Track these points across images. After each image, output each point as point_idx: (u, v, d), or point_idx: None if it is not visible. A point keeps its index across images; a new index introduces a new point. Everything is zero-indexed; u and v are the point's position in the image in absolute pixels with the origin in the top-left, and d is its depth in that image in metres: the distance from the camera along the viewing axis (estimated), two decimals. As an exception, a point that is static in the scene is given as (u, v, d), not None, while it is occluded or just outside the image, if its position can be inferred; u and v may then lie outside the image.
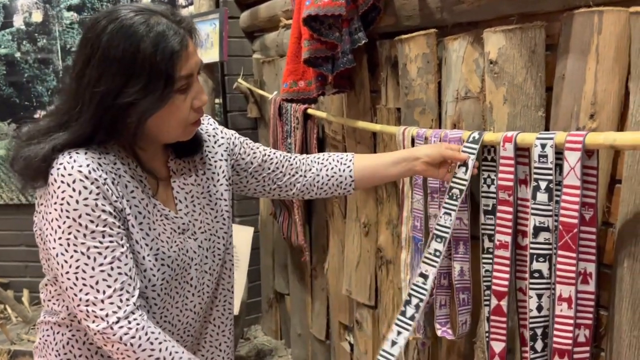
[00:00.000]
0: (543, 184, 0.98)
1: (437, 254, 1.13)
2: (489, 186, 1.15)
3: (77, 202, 0.86)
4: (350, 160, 1.21)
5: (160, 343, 0.91)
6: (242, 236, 2.09)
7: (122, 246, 0.89)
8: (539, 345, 1.03)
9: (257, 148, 1.19)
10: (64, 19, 2.88)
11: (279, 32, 2.37)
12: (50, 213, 0.87)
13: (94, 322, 0.88)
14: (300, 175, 1.20)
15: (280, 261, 2.60)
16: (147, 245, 0.94)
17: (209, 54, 2.17)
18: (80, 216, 0.86)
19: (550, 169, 0.97)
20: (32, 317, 2.86)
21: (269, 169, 1.18)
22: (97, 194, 0.87)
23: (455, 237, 1.23)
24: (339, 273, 2.05)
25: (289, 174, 1.19)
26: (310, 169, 1.21)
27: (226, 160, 1.11)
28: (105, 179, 0.88)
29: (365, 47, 1.59)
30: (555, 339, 0.95)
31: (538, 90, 1.12)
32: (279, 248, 2.60)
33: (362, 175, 1.21)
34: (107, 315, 0.87)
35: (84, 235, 0.87)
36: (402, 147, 1.39)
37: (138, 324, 0.89)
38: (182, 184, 1.04)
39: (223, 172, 1.09)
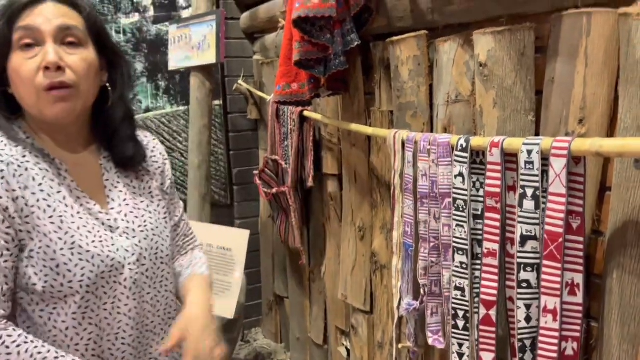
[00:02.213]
0: (530, 191, 0.95)
1: (464, 266, 1.12)
2: (477, 190, 1.12)
3: None
4: (187, 276, 1.14)
5: (18, 346, 0.85)
6: (238, 239, 2.08)
7: None
8: (528, 356, 1.00)
9: (178, 208, 1.17)
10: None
11: (278, 34, 2.36)
12: None
13: None
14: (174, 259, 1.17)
15: (280, 264, 2.59)
16: (60, 238, 0.90)
17: (206, 55, 2.16)
18: None
19: (536, 175, 0.94)
20: None
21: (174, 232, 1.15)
22: None
23: (444, 244, 1.20)
24: (335, 277, 2.03)
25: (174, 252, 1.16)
26: (178, 261, 1.17)
27: (161, 176, 1.10)
28: (1, 170, 0.87)
29: (359, 49, 1.57)
30: (540, 352, 0.92)
31: (528, 94, 1.08)
32: (279, 251, 2.58)
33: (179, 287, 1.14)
34: None
35: None
36: (394, 151, 1.36)
37: None
38: (116, 182, 1.02)
39: (157, 186, 1.09)
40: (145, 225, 1.02)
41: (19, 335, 0.86)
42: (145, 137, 1.11)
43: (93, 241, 0.94)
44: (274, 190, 2.16)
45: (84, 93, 0.93)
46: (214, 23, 2.09)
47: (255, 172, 2.29)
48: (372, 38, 1.62)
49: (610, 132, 0.95)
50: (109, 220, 0.98)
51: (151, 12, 2.78)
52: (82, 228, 0.93)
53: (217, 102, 2.63)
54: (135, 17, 2.81)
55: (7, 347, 0.84)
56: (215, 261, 2.09)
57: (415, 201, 1.30)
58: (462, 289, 1.14)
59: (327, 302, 2.17)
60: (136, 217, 1.02)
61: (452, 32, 1.28)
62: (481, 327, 1.08)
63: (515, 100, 1.09)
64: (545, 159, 0.92)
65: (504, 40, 1.08)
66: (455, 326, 1.16)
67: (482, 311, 1.07)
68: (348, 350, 2.03)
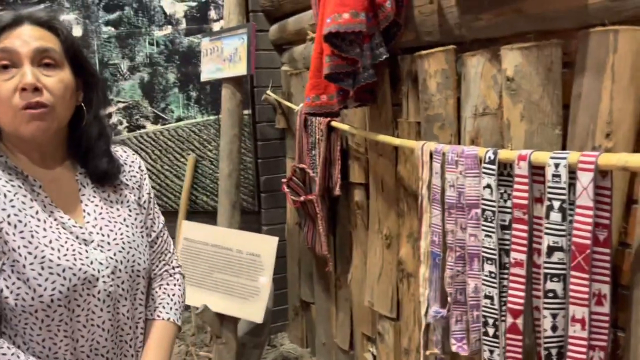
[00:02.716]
0: (556, 204, 0.98)
1: (493, 275, 1.15)
2: (505, 201, 1.15)
3: None
4: (151, 320, 1.12)
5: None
6: (266, 246, 2.13)
7: None
8: (554, 365, 1.03)
9: (157, 222, 1.16)
10: (102, 33, 3.00)
11: (306, 45, 2.42)
12: None
13: None
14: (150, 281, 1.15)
15: (307, 270, 2.63)
16: (29, 253, 0.92)
17: (237, 67, 2.23)
18: None
19: (563, 188, 0.96)
20: None
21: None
22: None
23: (470, 254, 1.23)
24: (362, 284, 2.07)
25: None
26: (153, 289, 1.15)
27: (138, 190, 1.12)
28: None
29: (387, 62, 1.61)
30: (567, 360, 0.95)
31: (555, 108, 1.11)
32: (305, 257, 2.63)
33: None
34: None
35: None
36: (422, 162, 1.40)
37: None
38: (92, 197, 1.04)
39: (133, 200, 1.10)
40: (121, 238, 1.03)
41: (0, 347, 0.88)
42: (125, 152, 1.14)
43: (65, 255, 0.94)
44: (302, 198, 2.21)
45: (59, 113, 0.96)
46: (245, 36, 2.16)
47: (283, 180, 2.34)
48: (400, 51, 1.66)
49: (637, 146, 0.97)
50: (83, 233, 0.99)
51: (183, 25, 2.88)
52: (54, 242, 0.94)
53: (246, 112, 2.70)
54: (168, 30, 2.91)
55: None
56: (245, 266, 2.14)
57: (443, 211, 1.33)
58: (491, 298, 1.17)
59: (353, 308, 2.20)
60: (111, 230, 1.03)
61: (479, 46, 1.31)
62: (508, 335, 1.10)
63: (543, 114, 1.12)
64: (572, 172, 0.95)
65: (532, 55, 1.12)
66: (486, 333, 1.19)
67: (509, 320, 1.09)
68: (374, 356, 2.06)
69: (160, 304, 1.12)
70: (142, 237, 1.09)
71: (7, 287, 0.91)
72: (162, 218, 1.18)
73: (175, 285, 1.17)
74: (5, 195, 0.93)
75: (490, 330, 1.17)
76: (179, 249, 2.26)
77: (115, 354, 1.02)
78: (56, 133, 0.99)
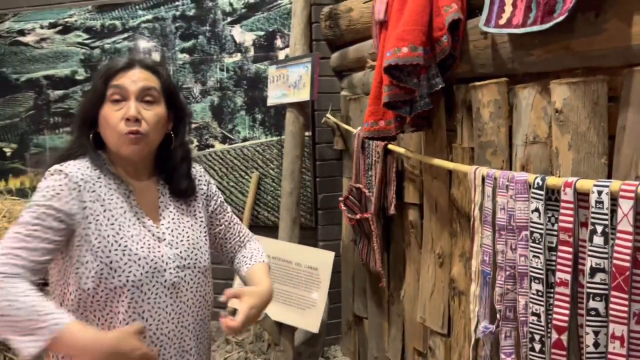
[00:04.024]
0: (599, 228, 1.06)
1: (540, 294, 1.23)
2: (552, 224, 1.23)
3: (42, 190, 1.13)
4: (250, 265, 1.40)
5: (24, 295, 1.03)
6: (324, 260, 2.27)
7: (44, 232, 1.09)
8: (597, 380, 1.09)
9: (226, 214, 1.43)
10: (178, 59, 3.29)
11: (365, 72, 2.57)
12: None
13: None
14: (235, 254, 1.45)
15: (360, 285, 2.74)
16: (115, 241, 1.15)
17: (301, 93, 2.41)
18: (36, 199, 1.12)
19: (606, 214, 1.04)
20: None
21: (226, 235, 1.43)
22: (57, 193, 1.12)
23: (520, 273, 1.31)
24: (414, 301, 2.15)
25: (233, 250, 1.45)
26: (240, 253, 1.45)
27: (205, 200, 1.37)
28: (77, 184, 1.14)
29: (443, 90, 1.72)
30: (608, 375, 1.01)
31: (601, 139, 1.19)
32: (359, 273, 2.74)
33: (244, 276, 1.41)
34: None
35: (28, 209, 1.12)
36: (474, 186, 1.50)
37: (1, 281, 1.03)
38: (168, 204, 1.28)
39: (201, 210, 1.34)
40: (187, 240, 1.26)
41: (29, 289, 1.05)
42: (194, 168, 1.36)
43: (142, 247, 1.17)
44: (358, 216, 2.34)
45: (152, 140, 1.21)
46: (309, 64, 2.34)
47: (340, 198, 2.48)
48: (456, 81, 1.77)
49: (679, 176, 1.03)
50: (158, 232, 1.22)
51: (252, 52, 3.11)
52: (135, 236, 1.18)
53: (307, 134, 2.88)
54: (238, 57, 3.15)
55: (11, 293, 1.03)
56: (303, 279, 2.29)
57: (494, 232, 1.42)
58: (538, 315, 1.24)
59: (405, 323, 2.29)
60: (180, 232, 1.26)
61: (530, 79, 1.41)
62: (553, 351, 1.17)
63: (589, 144, 1.20)
64: (614, 199, 1.03)
65: (579, 90, 1.20)
66: (532, 349, 1.26)
67: (554, 335, 1.17)
68: (424, 371, 2.13)
69: (254, 255, 1.42)
70: (206, 240, 1.31)
71: (88, 271, 1.13)
72: (229, 211, 1.45)
73: (256, 243, 1.48)
74: (104, 194, 1.18)
75: (537, 346, 1.25)
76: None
77: (176, 336, 1.22)
78: (148, 154, 1.24)
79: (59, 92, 3.55)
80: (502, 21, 1.41)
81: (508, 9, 1.40)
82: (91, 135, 1.22)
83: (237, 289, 1.27)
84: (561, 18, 1.18)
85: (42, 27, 3.54)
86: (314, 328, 2.21)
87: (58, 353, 1.17)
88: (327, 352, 3.01)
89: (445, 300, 1.91)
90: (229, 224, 1.42)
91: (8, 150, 3.70)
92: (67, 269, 1.16)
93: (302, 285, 2.27)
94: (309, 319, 2.24)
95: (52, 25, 3.52)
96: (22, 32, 3.58)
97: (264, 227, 3.13)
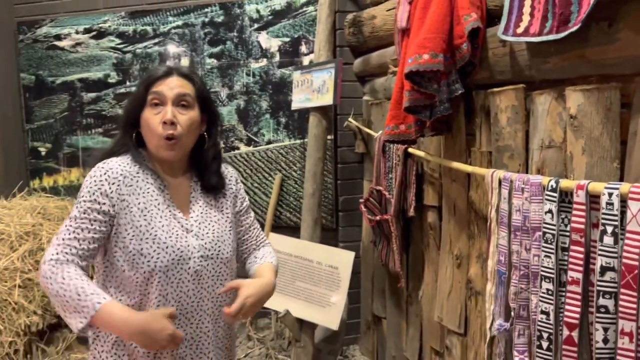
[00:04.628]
0: (609, 229, 1.10)
1: (550, 292, 1.28)
2: (565, 225, 1.28)
3: (87, 186, 1.26)
4: (258, 264, 1.50)
5: (71, 279, 1.18)
6: (344, 259, 2.34)
7: (91, 224, 1.24)
8: (607, 376, 1.13)
9: (248, 218, 1.53)
10: (206, 64, 3.40)
11: (387, 78, 2.63)
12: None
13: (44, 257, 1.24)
14: (248, 255, 1.55)
15: (379, 286, 2.80)
16: (147, 230, 1.27)
17: (324, 97, 2.49)
18: (83, 195, 1.26)
19: (616, 215, 1.09)
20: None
21: (244, 237, 1.52)
22: (99, 188, 1.25)
23: (533, 272, 1.36)
24: (432, 301, 2.20)
25: (247, 252, 1.54)
26: (252, 255, 1.54)
27: (234, 198, 1.47)
28: (116, 179, 1.27)
29: (462, 95, 1.78)
30: (616, 369, 1.06)
31: (613, 144, 1.24)
32: (378, 274, 2.80)
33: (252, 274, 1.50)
34: (46, 255, 1.23)
35: (76, 204, 1.27)
36: (491, 188, 1.55)
37: (54, 267, 1.20)
38: (198, 199, 1.38)
39: (229, 206, 1.44)
40: (213, 232, 1.36)
41: (76, 273, 1.20)
42: (225, 168, 1.46)
43: (170, 236, 1.29)
44: (378, 218, 2.40)
45: (185, 142, 1.33)
46: (332, 70, 2.41)
47: (361, 200, 2.55)
48: (475, 87, 1.82)
49: (687, 180, 1.08)
50: (186, 224, 1.33)
51: (277, 58, 3.20)
52: (165, 226, 1.29)
53: (329, 137, 2.95)
54: (263, 62, 3.25)
55: (63, 277, 1.19)
56: (324, 277, 2.36)
57: (509, 233, 1.47)
58: (547, 313, 1.29)
59: (423, 323, 2.34)
60: (207, 226, 1.36)
61: (546, 86, 1.46)
62: (564, 347, 1.22)
63: (602, 148, 1.25)
64: (624, 201, 1.08)
65: (592, 96, 1.25)
66: (540, 346, 1.31)
67: (565, 332, 1.22)
68: (441, 370, 2.18)
69: (265, 256, 1.52)
70: (230, 234, 1.41)
71: (125, 255, 1.26)
72: (252, 215, 1.56)
73: (269, 247, 1.58)
74: (140, 188, 1.31)
75: (545, 344, 1.30)
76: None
77: (194, 318, 1.33)
78: (183, 155, 1.36)
79: (92, 95, 3.71)
80: (519, 30, 1.47)
81: (526, 18, 1.46)
82: (134, 135, 1.34)
83: (236, 280, 1.37)
84: (575, 28, 1.23)
85: (77, 32, 3.70)
86: (334, 325, 2.28)
87: (99, 329, 1.29)
88: (346, 351, 3.07)
89: (462, 300, 1.96)
90: (249, 227, 1.52)
91: (43, 150, 3.87)
92: (108, 252, 1.29)
93: (322, 283, 2.34)
94: (329, 316, 2.31)
95: (87, 31, 3.68)
96: (58, 37, 3.75)
97: (286, 227, 3.22)
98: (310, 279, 2.37)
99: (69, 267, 1.21)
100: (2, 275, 2.80)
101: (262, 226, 3.21)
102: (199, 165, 1.41)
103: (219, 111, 1.47)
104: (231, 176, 1.48)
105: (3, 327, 2.68)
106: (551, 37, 1.33)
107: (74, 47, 3.73)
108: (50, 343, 2.93)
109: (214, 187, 1.41)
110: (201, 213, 1.37)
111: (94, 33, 3.67)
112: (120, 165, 1.30)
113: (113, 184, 1.27)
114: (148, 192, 1.31)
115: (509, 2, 1.51)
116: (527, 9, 1.46)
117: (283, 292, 2.40)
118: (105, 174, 1.28)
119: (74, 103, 3.77)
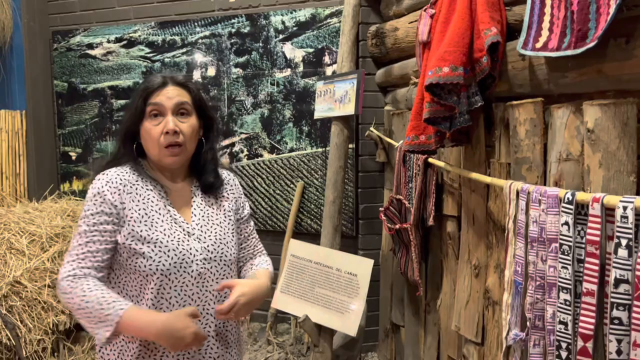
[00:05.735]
0: (624, 241, 1.12)
1: (568, 303, 1.30)
2: (582, 237, 1.30)
3: (91, 199, 1.31)
4: (255, 270, 1.53)
5: (90, 290, 1.23)
6: (363, 267, 2.37)
7: (102, 235, 1.29)
8: (621, 387, 1.15)
9: (249, 226, 1.57)
10: (232, 74, 3.49)
11: (408, 89, 2.67)
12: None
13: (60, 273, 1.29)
14: (245, 263, 1.58)
15: (398, 294, 2.82)
16: (148, 235, 1.30)
17: (347, 107, 2.54)
18: (88, 208, 1.31)
19: (630, 228, 1.11)
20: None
21: (242, 245, 1.56)
22: (102, 198, 1.30)
23: (549, 283, 1.38)
24: (450, 310, 2.22)
25: (244, 259, 1.57)
26: (248, 262, 1.58)
27: (235, 201, 1.50)
28: (117, 188, 1.31)
29: (482, 107, 1.81)
30: (628, 379, 1.07)
31: (630, 158, 1.25)
32: (397, 282, 2.82)
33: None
34: (62, 272, 1.28)
35: (83, 218, 1.31)
36: (509, 199, 1.57)
37: (73, 282, 1.25)
38: (200, 203, 1.42)
39: (231, 209, 1.48)
40: (215, 235, 1.39)
41: (95, 285, 1.25)
42: (228, 175, 1.52)
43: (172, 240, 1.32)
44: (397, 226, 2.43)
45: (188, 149, 1.37)
46: (355, 81, 2.46)
47: (381, 208, 2.58)
48: (494, 99, 1.85)
49: (703, 195, 1.09)
50: (188, 228, 1.36)
51: (301, 68, 3.27)
52: (167, 230, 1.33)
53: (350, 146, 3.00)
54: (287, 72, 3.32)
55: (83, 290, 1.24)
56: (343, 284, 2.39)
57: (526, 244, 1.49)
58: (565, 324, 1.31)
59: (440, 332, 2.36)
60: (208, 229, 1.39)
61: (565, 100, 1.48)
62: (578, 357, 1.24)
63: (619, 162, 1.27)
64: (638, 214, 1.10)
65: (609, 111, 1.27)
66: (559, 356, 1.32)
67: (580, 343, 1.23)
68: (458, 380, 2.19)
69: (261, 263, 1.56)
70: (232, 236, 1.44)
71: (125, 261, 1.30)
72: (252, 225, 1.60)
73: (265, 257, 1.61)
74: (140, 195, 1.35)
75: (564, 354, 1.31)
76: (285, 264, 2.58)
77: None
78: (185, 161, 1.42)
79: (121, 102, 3.83)
80: (538, 44, 1.50)
81: (545, 33, 1.49)
82: (134, 146, 1.39)
83: (231, 280, 1.40)
84: (592, 44, 1.26)
85: (108, 41, 3.84)
86: (352, 332, 2.31)
87: (125, 334, 1.33)
88: (364, 358, 3.10)
89: (480, 309, 1.98)
90: (249, 236, 1.57)
91: (73, 155, 4.01)
92: (115, 256, 1.34)
93: (341, 290, 2.38)
94: (347, 322, 2.34)
95: (117, 40, 3.81)
96: (90, 46, 3.90)
97: (306, 234, 3.27)
98: (330, 285, 2.41)
99: (87, 280, 1.26)
100: (32, 275, 2.91)
101: (283, 233, 3.27)
102: (197, 167, 1.45)
103: (215, 115, 1.52)
104: (232, 180, 1.53)
105: (32, 325, 2.78)
106: (569, 52, 1.35)
107: (105, 55, 3.87)
108: (77, 342, 3.03)
109: (212, 186, 1.44)
110: (203, 216, 1.41)
111: (124, 42, 3.80)
112: (120, 174, 1.35)
113: (114, 192, 1.32)
114: (148, 199, 1.35)
115: (528, 17, 1.54)
116: (546, 24, 1.49)
117: (303, 298, 2.45)
118: (106, 184, 1.32)
119: (104, 110, 3.90)
